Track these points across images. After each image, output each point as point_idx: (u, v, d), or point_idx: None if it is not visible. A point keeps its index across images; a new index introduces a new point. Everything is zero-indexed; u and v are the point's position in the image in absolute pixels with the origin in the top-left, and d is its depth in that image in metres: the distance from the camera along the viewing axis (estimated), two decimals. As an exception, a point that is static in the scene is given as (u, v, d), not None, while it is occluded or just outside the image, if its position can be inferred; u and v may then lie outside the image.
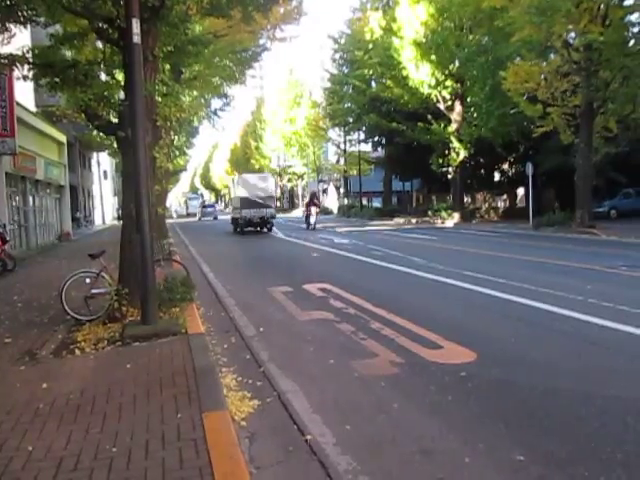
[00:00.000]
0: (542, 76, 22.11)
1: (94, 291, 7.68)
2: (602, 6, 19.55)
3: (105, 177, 45.96)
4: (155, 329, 6.36)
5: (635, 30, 21.16)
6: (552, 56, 23.27)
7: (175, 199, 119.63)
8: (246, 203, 26.84)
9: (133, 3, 6.05)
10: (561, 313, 7.25)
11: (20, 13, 7.46)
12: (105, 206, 45.86)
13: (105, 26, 7.78)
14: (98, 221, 43.23)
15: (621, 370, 5.09)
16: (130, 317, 7.08)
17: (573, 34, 21.23)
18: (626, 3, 20.21)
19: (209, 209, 56.36)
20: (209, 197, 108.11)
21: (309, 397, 4.59)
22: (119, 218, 42.97)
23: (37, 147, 21.24)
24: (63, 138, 25.81)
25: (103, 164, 44.66)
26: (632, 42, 21.19)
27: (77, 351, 6.02)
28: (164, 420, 3.93)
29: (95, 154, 41.83)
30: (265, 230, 27.65)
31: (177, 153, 27.36)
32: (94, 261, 7.87)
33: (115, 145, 10.98)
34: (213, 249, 19.94)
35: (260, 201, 26.90)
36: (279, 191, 75.60)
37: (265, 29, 17.17)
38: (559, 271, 11.32)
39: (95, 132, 18.80)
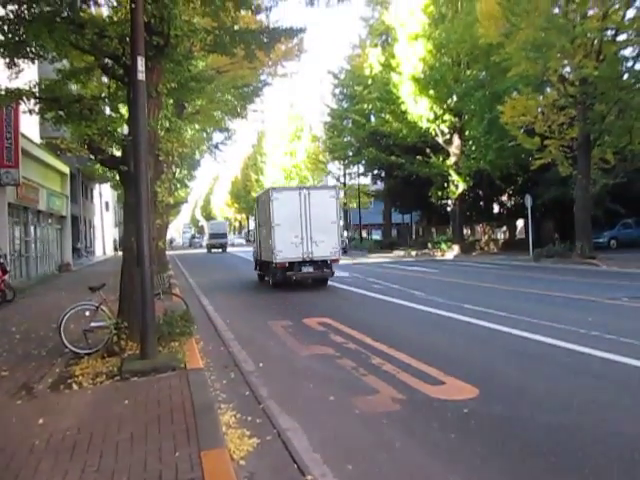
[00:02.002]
0: (539, 109, 22.47)
1: (93, 324, 7.64)
2: (596, 41, 19.99)
3: (107, 208, 46.20)
4: (154, 364, 6.29)
5: (629, 64, 21.57)
6: (548, 90, 23.69)
7: (176, 231, 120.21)
8: (212, 236, 54.25)
9: (139, 41, 6.18)
10: (563, 346, 7.20)
11: (29, 49, 7.62)
12: (106, 237, 45.96)
13: (111, 63, 7.97)
14: (99, 252, 43.26)
15: (626, 405, 5.02)
16: (129, 351, 7.02)
17: (568, 69, 21.65)
18: (619, 38, 20.65)
19: (196, 240, 76.38)
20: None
21: (310, 435, 4.52)
22: (116, 249, 43.27)
23: (40, 178, 21.41)
24: (66, 169, 26.04)
25: (105, 195, 44.95)
26: (626, 76, 21.58)
27: (75, 385, 5.96)
28: (162, 459, 3.86)
29: (97, 185, 42.13)
30: (220, 250, 51.17)
31: (178, 186, 27.58)
32: (94, 294, 7.85)
33: (117, 178, 11.10)
34: (212, 280, 19.90)
35: (222, 234, 54.69)
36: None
37: (267, 66, 17.53)
38: (560, 303, 11.28)
39: (98, 165, 19.01)
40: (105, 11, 9.65)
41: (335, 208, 16.12)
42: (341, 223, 19.45)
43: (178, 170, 23.17)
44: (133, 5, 6.13)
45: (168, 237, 43.00)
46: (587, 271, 18.54)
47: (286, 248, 15.42)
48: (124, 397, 5.36)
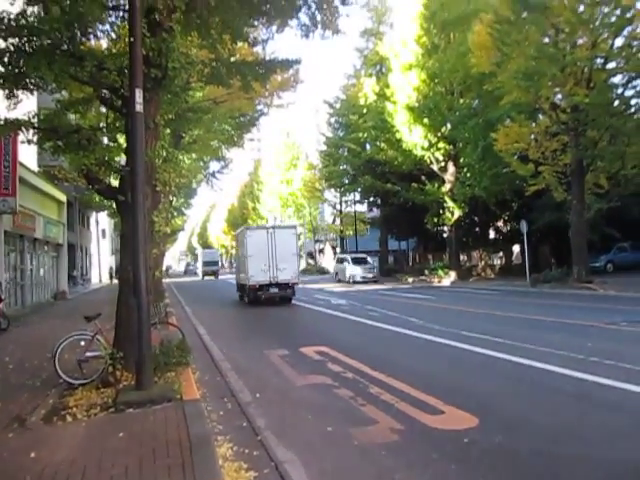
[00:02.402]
0: (532, 136, 22.77)
1: (88, 354, 7.56)
2: (586, 70, 20.39)
3: (103, 236, 46.22)
4: (150, 395, 6.21)
5: (619, 91, 21.94)
6: (541, 117, 24.02)
7: (172, 258, 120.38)
8: (205, 264, 59.04)
9: (137, 74, 6.27)
10: (563, 373, 7.16)
11: (29, 81, 7.72)
12: (102, 264, 45.85)
13: (109, 94, 8.07)
14: (95, 279, 43.10)
15: (626, 432, 4.98)
16: (124, 381, 6.94)
17: (560, 96, 22.01)
18: (609, 66, 21.06)
19: (191, 267, 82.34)
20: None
21: (307, 467, 4.45)
22: (112, 277, 43.10)
23: (37, 206, 21.44)
24: (63, 197, 26.11)
25: (102, 223, 45.03)
26: (616, 102, 21.94)
27: (68, 417, 5.87)
28: (157, 494, 3.79)
29: (94, 213, 42.23)
30: (213, 277, 55.89)
31: (175, 214, 27.66)
32: (89, 323, 7.79)
33: (114, 207, 11.14)
34: (208, 308, 19.79)
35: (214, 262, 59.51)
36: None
37: (263, 96, 17.77)
38: (559, 328, 11.24)
39: (95, 194, 19.10)
40: (104, 43, 9.85)
41: (295, 243, 20.84)
42: (300, 254, 30.51)
43: (175, 199, 23.26)
44: (132, 39, 6.24)
45: (165, 265, 43.42)
46: (584, 296, 18.54)
47: (257, 273, 19.76)
48: (119, 429, 5.28)
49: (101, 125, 9.42)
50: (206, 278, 56.74)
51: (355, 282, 32.78)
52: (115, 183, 8.49)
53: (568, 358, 8.00)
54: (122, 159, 9.69)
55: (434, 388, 6.65)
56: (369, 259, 36.53)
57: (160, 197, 8.08)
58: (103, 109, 10.12)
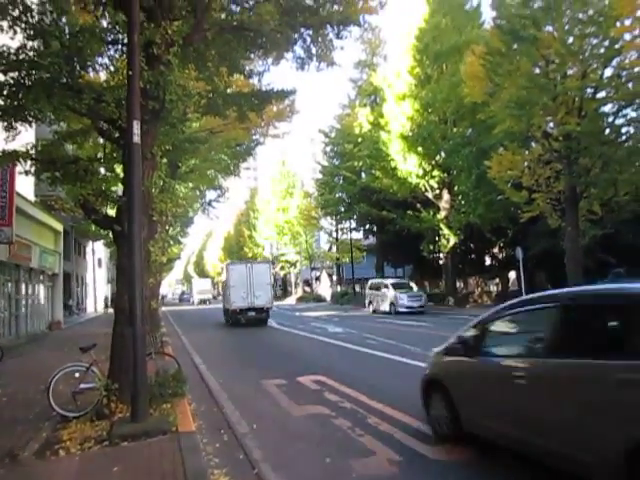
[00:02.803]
0: (525, 164, 22.97)
1: (83, 386, 7.48)
2: (577, 99, 20.71)
3: (99, 265, 46.05)
4: (145, 427, 6.13)
5: (609, 120, 22.26)
6: (533, 145, 24.28)
7: (169, 286, 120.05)
8: (198, 292, 65.63)
9: (135, 107, 6.36)
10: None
11: (27, 113, 7.81)
12: (98, 294, 45.59)
13: (107, 126, 8.17)
14: (90, 308, 42.79)
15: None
16: (119, 414, 6.85)
17: (552, 125, 22.31)
18: (599, 95, 21.42)
19: (185, 296, 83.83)
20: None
21: (305, 501, 4.38)
22: (107, 306, 42.83)
23: (33, 235, 21.41)
24: (60, 227, 26.11)
25: (98, 252, 44.90)
26: (607, 131, 22.25)
27: (62, 452, 5.78)
28: (152, 530, 3.72)
29: (91, 242, 42.16)
30: (206, 304, 58.21)
31: (171, 243, 27.66)
32: (84, 354, 7.72)
33: (111, 236, 11.15)
34: (204, 337, 19.63)
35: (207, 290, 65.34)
36: (272, 279, 75.63)
37: (259, 126, 17.99)
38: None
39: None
40: (102, 76, 10.01)
41: (269, 275, 26.18)
42: (272, 284, 29.88)
43: (171, 228, 23.31)
44: (130, 72, 6.35)
45: (160, 293, 43.45)
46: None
47: (237, 300, 24.32)
48: (113, 463, 5.20)
49: (98, 156, 9.49)
50: (200, 306, 57.73)
51: (399, 312, 27.60)
52: (112, 213, 8.52)
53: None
54: (119, 189, 9.74)
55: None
56: (412, 284, 31.93)
57: (157, 227, 8.11)
58: (101, 140, 10.23)
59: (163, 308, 43.38)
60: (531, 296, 5.38)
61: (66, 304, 30.55)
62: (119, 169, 9.81)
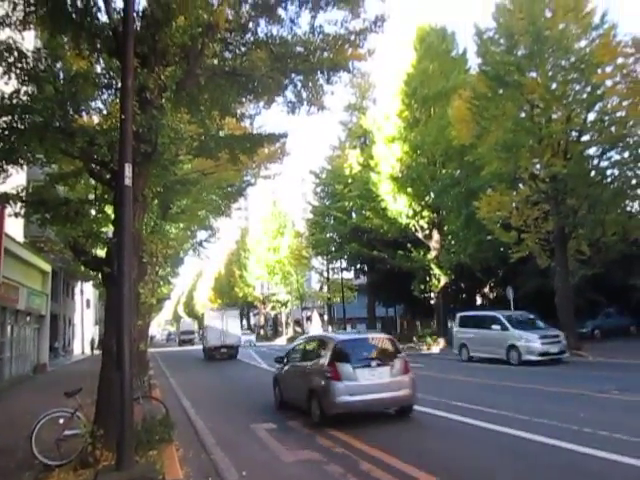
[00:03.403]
0: (513, 205, 23.30)
1: (67, 432, 7.27)
2: (562, 142, 21.22)
3: (88, 306, 45.47)
4: (131, 476, 5.93)
5: (594, 162, 22.75)
6: (521, 186, 24.69)
7: (158, 326, 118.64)
8: (182, 333, 67.65)
9: (127, 149, 6.41)
10: (557, 445, 7.02)
11: (19, 156, 7.86)
12: (86, 335, 44.82)
13: (99, 168, 8.22)
14: (77, 350, 41.98)
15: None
16: (104, 461, 6.63)
17: (538, 166, 22.76)
18: (584, 138, 21.96)
19: (172, 337, 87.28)
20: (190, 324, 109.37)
21: None
22: (92, 348, 42.00)
23: (21, 277, 21.15)
24: (48, 268, 25.85)
25: (87, 292, 44.39)
26: (593, 173, 22.69)
27: (43, 503, 5.57)
28: None
29: (79, 283, 41.73)
30: (190, 344, 59.49)
31: (161, 283, 27.44)
32: (69, 399, 7.54)
33: (100, 277, 11.05)
34: (192, 378, 19.27)
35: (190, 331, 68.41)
36: (262, 319, 75.31)
37: (251, 168, 18.18)
38: (551, 397, 11.08)
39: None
40: (95, 119, 10.13)
41: (238, 320, 34.93)
42: (241, 327, 38.41)
43: (161, 269, 23.20)
44: (123, 116, 6.43)
45: (149, 334, 43.18)
46: (574, 362, 18.38)
47: (213, 339, 30.62)
48: (97, 515, 5.02)
49: (89, 197, 9.53)
50: (186, 347, 57.27)
51: (525, 362, 18.28)
52: (102, 254, 8.48)
53: (562, 429, 7.87)
54: (109, 230, 9.74)
55: (427, 463, 6.47)
56: (537, 320, 20.74)
57: (147, 268, 8.07)
58: (92, 181, 10.27)
59: (152, 349, 42.74)
60: (300, 337, 14.15)
61: (52, 346, 29.97)
62: (110, 210, 9.81)
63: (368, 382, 9.16)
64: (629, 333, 26.94)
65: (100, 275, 8.72)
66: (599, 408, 9.68)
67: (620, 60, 15.77)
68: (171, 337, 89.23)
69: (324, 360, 9.65)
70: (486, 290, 36.16)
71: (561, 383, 13.03)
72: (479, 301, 37.99)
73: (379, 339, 10.49)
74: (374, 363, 9.44)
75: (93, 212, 9.99)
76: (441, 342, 30.77)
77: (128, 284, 6.27)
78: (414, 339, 33.95)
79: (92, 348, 42.56)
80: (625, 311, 27.70)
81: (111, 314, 7.28)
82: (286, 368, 11.68)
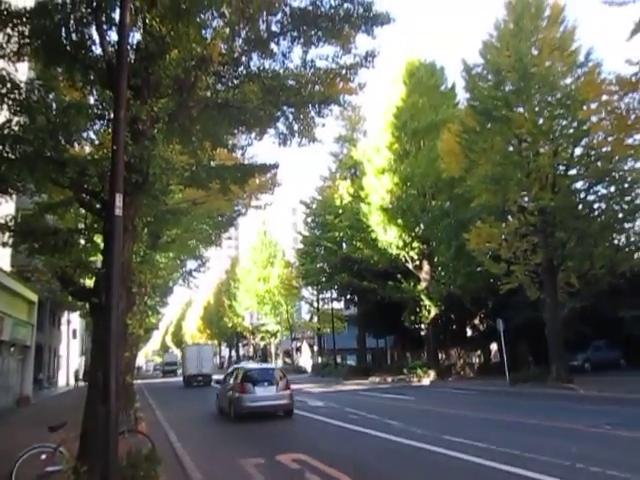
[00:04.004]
0: (502, 237, 23.42)
1: (49, 469, 7.07)
2: (550, 175, 21.52)
3: (74, 336, 44.73)
4: (113, 514, 5.75)
5: (582, 195, 23.06)
6: (510, 219, 24.88)
7: (145, 356, 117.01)
8: (166, 364, 66.94)
9: (118, 180, 6.40)
10: (549, 483, 6.91)
11: (9, 185, 7.83)
12: (71, 366, 43.98)
13: (89, 198, 8.20)
14: (62, 382, 41.14)
15: None
16: (86, 499, 6.44)
17: (527, 199, 23.01)
18: (571, 172, 22.30)
19: (157, 368, 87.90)
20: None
21: None
22: (77, 379, 41.16)
23: (6, 307, 20.83)
24: (35, 297, 25.50)
25: (73, 322, 43.72)
26: (580, 206, 22.96)
27: None
28: None
29: (66, 313, 41.14)
30: (173, 375, 59.23)
31: (149, 313, 27.16)
32: (53, 433, 7.35)
33: (87, 306, 10.91)
34: (179, 410, 18.89)
35: (174, 363, 66.17)
36: (251, 350, 74.60)
37: (241, 198, 18.24)
38: (543, 432, 10.97)
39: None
40: (87, 149, 10.16)
41: (211, 353, 41.79)
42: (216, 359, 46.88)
43: (150, 299, 23.00)
44: (115, 147, 6.45)
45: (137, 365, 42.88)
46: (565, 396, 18.29)
47: (190, 368, 37.08)
48: None
49: (79, 227, 9.48)
50: (171, 378, 56.18)
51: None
52: (90, 283, 8.40)
53: (554, 465, 7.76)
54: (98, 259, 9.66)
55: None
56: None
57: (135, 298, 7.99)
58: (82, 210, 10.24)
59: (138, 381, 42.02)
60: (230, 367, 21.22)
61: (36, 378, 29.36)
62: (99, 239, 9.77)
63: (262, 395, 15.22)
64: (619, 366, 26.93)
65: (88, 305, 8.63)
66: (592, 443, 9.58)
67: (605, 97, 16.13)
68: (157, 368, 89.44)
69: (237, 381, 15.65)
70: (476, 321, 36.07)
71: (553, 417, 12.92)
72: (469, 333, 37.86)
73: (271, 368, 18.33)
74: (266, 383, 15.43)
75: (82, 241, 9.94)
76: (431, 374, 30.55)
77: (116, 315, 6.18)
78: (404, 371, 33.67)
79: (76, 379, 41.72)
80: (614, 344, 27.72)
81: (98, 345, 7.16)
82: (220, 386, 18.14)
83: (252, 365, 22.05)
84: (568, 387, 19.88)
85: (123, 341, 7.38)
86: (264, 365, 22.59)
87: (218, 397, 17.85)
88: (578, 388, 19.53)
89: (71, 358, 43.56)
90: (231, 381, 16.46)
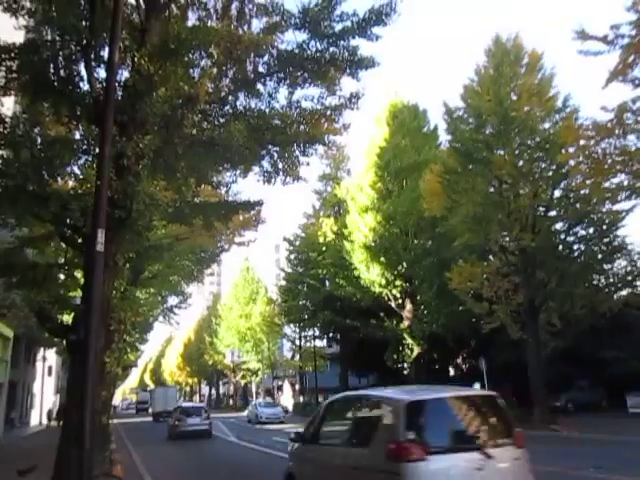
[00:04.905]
0: (484, 276, 23.57)
1: (16, 515, 6.76)
2: (530, 216, 21.88)
3: (50, 374, 43.47)
4: None
5: (562, 237, 23.42)
6: (492, 258, 25.11)
7: (122, 394, 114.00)
8: (139, 403, 71.78)
9: (101, 215, 6.37)
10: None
11: (-13, 220, 7.74)
12: (45, 405, 42.53)
13: (71, 232, 8.11)
14: (35, 421, 39.67)
15: None
16: None
17: (508, 239, 23.29)
18: (551, 214, 22.70)
19: (131, 405, 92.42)
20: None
21: None
22: (50, 419, 39.68)
23: (-21, 343, 20.30)
24: (10, 333, 24.87)
25: (49, 359, 42.49)
26: (561, 247, 23.30)
27: None
28: None
29: (42, 349, 40.00)
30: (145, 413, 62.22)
31: (128, 350, 26.60)
32: (22, 477, 7.06)
33: (64, 343, 10.63)
34: (157, 452, 18.31)
35: (145, 401, 66.49)
36: (232, 388, 73.15)
37: (225, 234, 18.21)
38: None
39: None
40: (70, 183, 10.11)
41: (175, 393, 52.45)
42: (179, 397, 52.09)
43: (129, 336, 22.57)
44: (99, 182, 6.43)
45: (113, 404, 42.41)
46: (548, 437, 18.11)
47: (158, 407, 44.32)
48: None
49: (59, 261, 9.35)
50: (143, 417, 56.02)
51: None
52: (68, 319, 8.22)
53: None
54: (77, 294, 9.50)
55: None
56: None
57: (114, 336, 7.83)
58: (63, 245, 10.11)
59: (114, 420, 40.76)
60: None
61: (8, 417, 28.33)
62: (79, 274, 9.63)
63: (191, 422, 23.47)
64: (600, 407, 26.86)
65: (65, 342, 8.42)
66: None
67: (582, 142, 16.57)
68: (131, 406, 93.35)
69: (176, 414, 24.47)
70: (459, 361, 35.94)
71: (537, 459, 12.74)
72: (452, 372, 37.66)
73: (199, 406, 28.86)
74: (193, 414, 24.14)
75: (62, 276, 9.79)
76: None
77: (94, 353, 6.06)
78: (387, 411, 33.15)
79: (49, 419, 40.27)
80: (597, 384, 27.73)
81: (74, 384, 6.97)
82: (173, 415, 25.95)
83: (188, 404, 37.77)
84: (551, 428, 19.73)
85: (100, 380, 7.19)
86: (193, 404, 40.36)
87: (168, 424, 25.94)
88: (560, 429, 19.39)
89: (45, 396, 42.22)
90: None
